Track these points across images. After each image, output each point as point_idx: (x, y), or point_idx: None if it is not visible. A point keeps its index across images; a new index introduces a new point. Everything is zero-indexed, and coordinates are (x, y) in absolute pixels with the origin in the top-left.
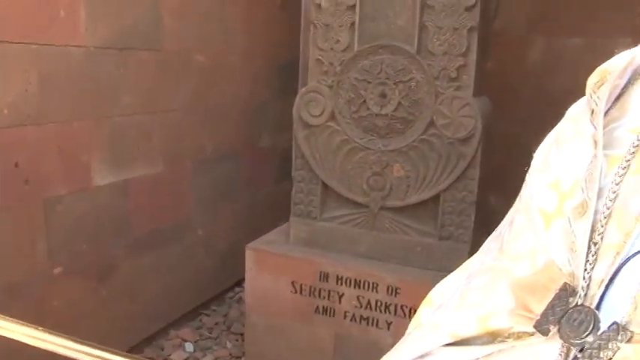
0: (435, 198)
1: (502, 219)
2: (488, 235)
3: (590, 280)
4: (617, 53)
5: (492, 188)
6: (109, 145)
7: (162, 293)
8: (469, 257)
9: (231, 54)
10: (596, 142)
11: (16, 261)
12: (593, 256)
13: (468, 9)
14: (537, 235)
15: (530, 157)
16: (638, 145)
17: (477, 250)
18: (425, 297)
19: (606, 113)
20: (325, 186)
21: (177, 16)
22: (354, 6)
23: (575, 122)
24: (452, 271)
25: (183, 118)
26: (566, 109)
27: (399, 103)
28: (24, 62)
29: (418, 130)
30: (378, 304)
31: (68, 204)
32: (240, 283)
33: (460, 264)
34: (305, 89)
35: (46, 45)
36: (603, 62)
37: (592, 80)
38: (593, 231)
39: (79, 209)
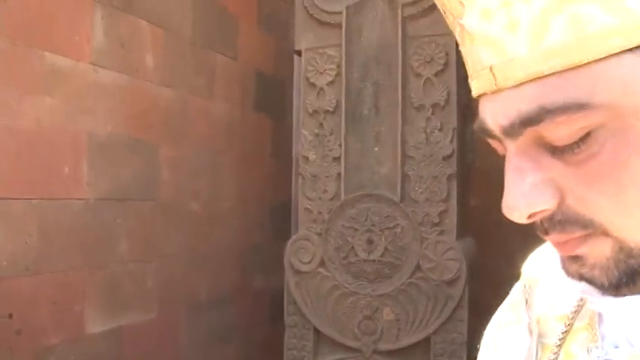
0: (427, 340)
1: None
2: None
3: None
4: None
5: (483, 328)
6: (104, 292)
7: None
8: None
9: (224, 200)
10: (531, 332)
11: None
12: None
13: (446, 158)
14: None
15: None
16: (565, 332)
17: None
18: None
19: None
20: (317, 331)
21: (173, 168)
22: (339, 158)
23: (514, 308)
24: None
25: (178, 264)
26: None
27: (386, 249)
28: (25, 216)
29: (405, 275)
30: None
31: (60, 353)
32: None
33: None
34: (295, 237)
35: (47, 199)
36: None
37: (526, 272)
38: None
39: (71, 359)
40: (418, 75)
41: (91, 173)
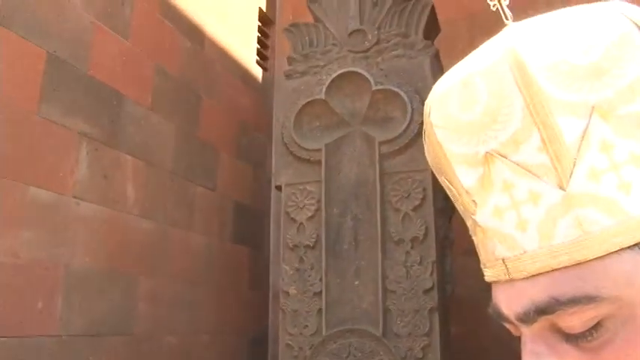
0: None
1: None
2: None
3: None
4: None
5: None
6: None
7: None
8: None
9: (202, 333)
10: None
11: None
12: None
13: (426, 291)
14: None
15: None
16: None
17: None
18: None
19: None
20: None
21: (150, 300)
22: (320, 292)
23: None
24: None
25: None
26: None
27: None
28: None
29: None
30: None
31: None
32: None
33: None
34: None
35: (18, 337)
36: None
37: None
38: None
39: None
40: (397, 210)
41: (65, 308)
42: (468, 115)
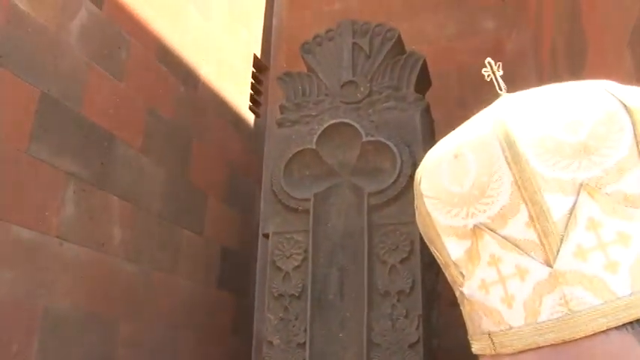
0: None
1: None
2: None
3: None
4: None
5: None
6: None
7: None
8: None
9: None
10: None
11: None
12: None
13: (412, 345)
14: None
15: None
16: None
17: None
18: None
19: None
20: None
21: (130, 345)
22: (304, 344)
23: None
24: None
25: None
26: None
27: None
28: None
29: None
30: None
31: None
32: None
33: None
34: None
35: None
36: None
37: None
38: None
39: None
40: (384, 262)
41: (41, 352)
42: (458, 188)
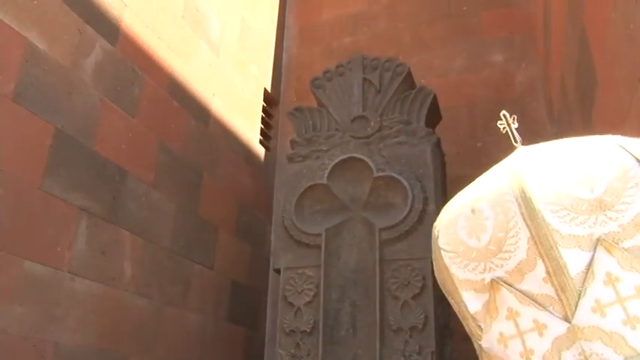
0: None
1: None
2: None
3: None
4: None
5: None
6: None
7: None
8: None
9: None
10: None
11: None
12: None
13: None
14: None
15: None
16: None
17: None
18: None
19: None
20: None
21: None
22: None
23: None
24: None
25: None
26: None
27: None
28: None
29: None
30: None
31: None
32: None
33: None
34: None
35: None
36: None
37: None
38: None
39: None
40: (396, 297)
41: None
42: (475, 242)
